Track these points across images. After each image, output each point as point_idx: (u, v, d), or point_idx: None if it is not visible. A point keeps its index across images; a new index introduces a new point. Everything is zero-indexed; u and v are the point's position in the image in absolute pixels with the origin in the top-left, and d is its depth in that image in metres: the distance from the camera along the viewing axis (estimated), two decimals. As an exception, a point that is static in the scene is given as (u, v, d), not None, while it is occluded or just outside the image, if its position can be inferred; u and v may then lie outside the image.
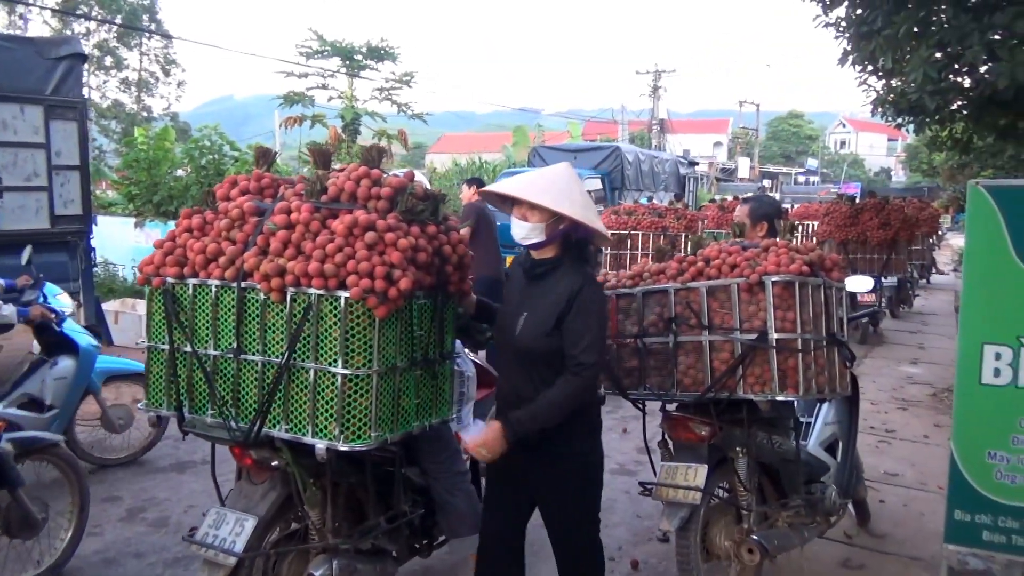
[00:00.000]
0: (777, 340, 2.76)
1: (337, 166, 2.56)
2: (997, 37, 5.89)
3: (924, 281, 14.78)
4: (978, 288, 2.89)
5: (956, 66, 6.50)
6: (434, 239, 2.40)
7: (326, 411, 2.18)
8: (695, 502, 2.95)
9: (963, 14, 5.85)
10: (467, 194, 7.65)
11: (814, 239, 10.39)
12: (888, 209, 8.77)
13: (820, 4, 7.41)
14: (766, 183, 42.54)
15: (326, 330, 2.18)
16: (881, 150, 74.07)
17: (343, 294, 2.15)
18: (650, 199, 13.26)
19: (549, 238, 2.42)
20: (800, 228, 12.08)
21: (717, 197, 22.08)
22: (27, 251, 4.61)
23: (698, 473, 2.99)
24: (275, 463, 2.45)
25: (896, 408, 6.61)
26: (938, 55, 6.10)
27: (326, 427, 2.18)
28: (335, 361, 2.16)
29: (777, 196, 25.82)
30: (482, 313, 2.81)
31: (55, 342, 4.43)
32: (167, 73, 38.17)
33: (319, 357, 2.19)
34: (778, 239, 3.13)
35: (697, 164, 23.66)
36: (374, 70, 17.16)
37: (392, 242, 2.22)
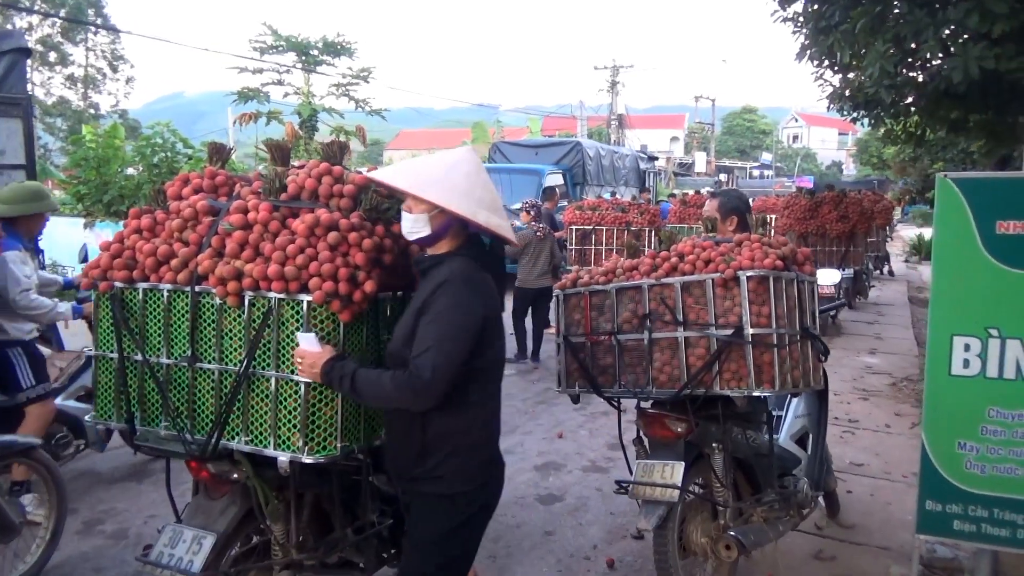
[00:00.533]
0: (753, 335, 2.72)
1: (296, 163, 2.44)
2: (950, 32, 5.99)
3: (879, 272, 15.07)
4: (947, 280, 2.89)
5: (911, 61, 6.61)
6: (400, 238, 2.30)
7: (289, 422, 2.06)
8: (672, 500, 2.90)
9: (918, 9, 5.93)
10: None
11: (772, 232, 10.48)
12: (846, 202, 8.90)
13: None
14: (722, 177, 43.10)
15: (288, 336, 2.06)
16: (832, 144, 75.71)
17: (305, 298, 2.03)
18: (613, 194, 13.28)
19: (436, 232, 2.09)
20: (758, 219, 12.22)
21: (676, 192, 22.27)
22: (82, 249, 4.83)
23: (675, 470, 2.94)
24: (234, 476, 2.31)
25: (858, 399, 6.68)
26: (893, 50, 6.17)
27: (289, 439, 2.06)
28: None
29: (722, 188, 26.14)
30: None
31: None
32: (114, 69, 37.16)
33: (280, 365, 2.07)
34: (750, 233, 3.10)
35: (656, 159, 23.83)
36: (331, 65, 16.87)
37: (356, 242, 2.11)
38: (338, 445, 2.08)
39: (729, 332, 2.76)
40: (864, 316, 10.97)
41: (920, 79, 6.66)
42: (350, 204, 2.22)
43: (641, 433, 3.18)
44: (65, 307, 3.97)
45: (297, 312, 2.05)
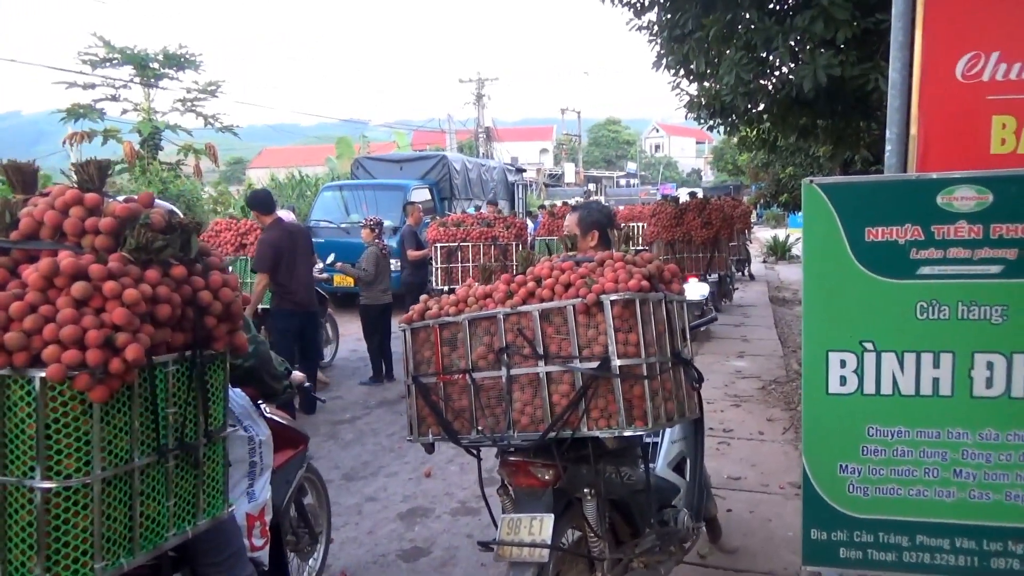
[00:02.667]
0: (620, 367, 2.42)
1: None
2: (799, 40, 6.09)
3: (740, 274, 15.64)
4: (818, 293, 2.72)
5: (763, 69, 6.70)
6: (184, 284, 1.82)
7: (21, 542, 1.53)
8: (543, 559, 2.55)
9: (767, 18, 6.00)
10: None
11: (641, 241, 10.54)
12: (709, 209, 9.01)
13: (631, 8, 7.43)
14: (591, 187, 44.16)
15: (16, 426, 1.53)
16: (691, 152, 79.69)
17: (38, 373, 1.52)
18: (477, 208, 13.00)
19: None
20: (627, 230, 12.31)
21: (547, 203, 22.36)
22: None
23: (543, 525, 2.59)
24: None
25: (730, 405, 6.67)
26: (747, 58, 6.22)
27: (23, 564, 1.53)
28: (31, 471, 1.52)
29: (602, 199, 26.65)
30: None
31: None
32: (-72, 87, 33.49)
33: (7, 466, 1.54)
34: (612, 250, 2.82)
35: (524, 171, 23.88)
36: (174, 79, 15.64)
37: (114, 293, 1.62)
38: (96, 566, 1.57)
39: (594, 365, 2.44)
40: (730, 319, 11.23)
41: (771, 87, 6.77)
42: (109, 243, 1.72)
43: (505, 482, 2.82)
44: None
45: (28, 393, 1.53)
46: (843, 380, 2.68)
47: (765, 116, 7.54)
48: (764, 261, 21.56)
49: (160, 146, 15.65)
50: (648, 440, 3.44)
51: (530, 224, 13.64)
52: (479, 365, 2.70)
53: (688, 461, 3.58)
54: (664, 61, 7.31)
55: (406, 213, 9.39)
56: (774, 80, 6.68)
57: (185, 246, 1.87)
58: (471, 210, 11.81)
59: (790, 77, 6.38)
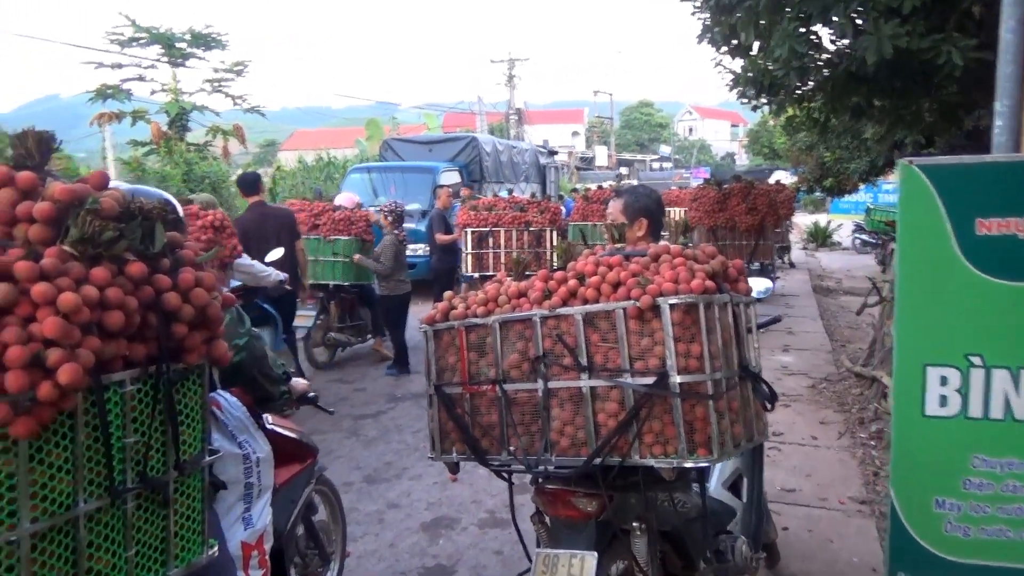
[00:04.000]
0: (681, 384, 2.02)
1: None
2: (859, 10, 5.58)
3: (781, 262, 15.05)
4: (915, 295, 2.28)
5: (817, 42, 6.20)
6: (144, 284, 1.46)
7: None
8: (583, 605, 2.18)
9: (825, -15, 5.48)
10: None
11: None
12: (755, 194, 8.49)
13: (676, -22, 6.94)
14: (623, 170, 43.42)
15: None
16: (725, 135, 78.18)
17: (-63, 404, 1.17)
18: (510, 191, 12.57)
19: None
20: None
21: (578, 186, 21.86)
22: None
23: (585, 566, 2.22)
24: None
25: (779, 406, 6.18)
26: (802, 30, 5.72)
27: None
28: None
29: (635, 183, 26.02)
30: None
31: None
32: (-34, 69, 33.94)
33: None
34: (667, 242, 2.41)
35: (556, 153, 23.36)
36: (200, 59, 15.42)
37: (47, 298, 1.26)
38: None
39: (650, 380, 2.05)
40: (772, 309, 10.67)
41: (826, 61, 6.26)
42: (47, 233, 1.37)
43: (541, 510, 2.45)
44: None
45: (-71, 427, 1.18)
46: (944, 400, 2.26)
47: (817, 94, 7.01)
48: (804, 248, 20.85)
49: (188, 127, 15.44)
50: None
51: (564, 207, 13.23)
52: (511, 375, 2.32)
53: (745, 480, 3.17)
54: (710, 34, 6.82)
55: (435, 196, 9.03)
56: (829, 54, 6.17)
57: (148, 237, 1.52)
58: (503, 193, 11.39)
59: (847, 51, 5.88)
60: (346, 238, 7.35)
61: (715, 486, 3.05)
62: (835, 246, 21.53)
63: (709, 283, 2.10)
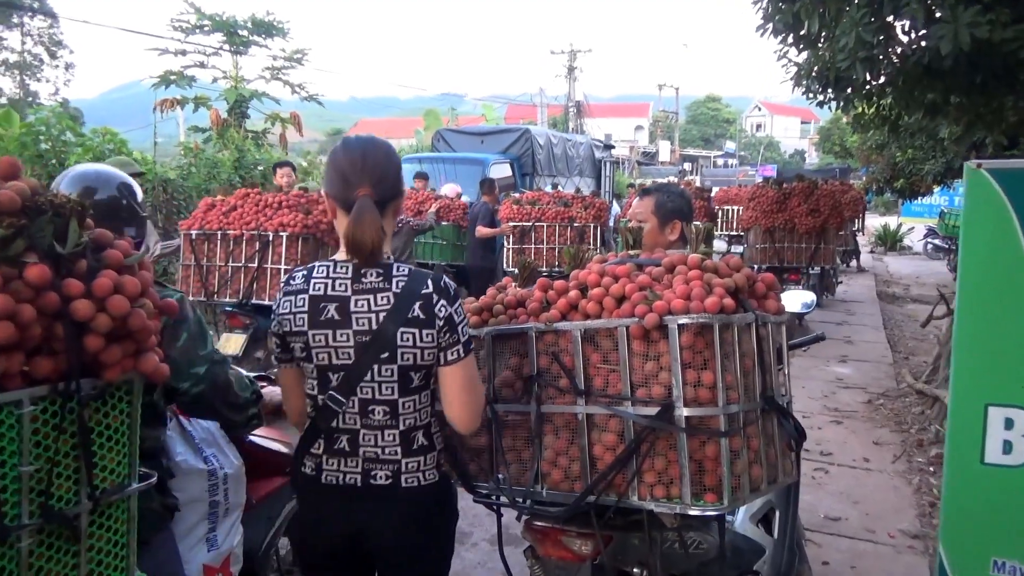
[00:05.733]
0: (688, 417, 1.75)
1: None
2: (935, -5, 5.10)
3: (846, 266, 14.36)
4: (977, 320, 1.94)
5: (888, 33, 5.73)
6: (45, 291, 1.26)
7: None
8: (574, 657, 1.93)
9: (896, -32, 5.02)
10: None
11: (737, 226, 9.61)
12: (817, 194, 7.99)
13: (736, -37, 6.55)
14: (687, 166, 42.51)
15: None
16: (795, 133, 75.80)
17: None
18: (555, 186, 12.24)
19: None
20: (721, 214, 11.29)
21: (636, 182, 21.37)
22: None
23: (577, 614, 1.97)
24: None
25: (830, 422, 5.81)
26: (871, 18, 5.27)
27: None
28: None
29: (698, 180, 25.28)
30: None
31: None
32: (53, 56, 35.38)
33: None
34: (687, 251, 2.13)
35: (613, 147, 22.84)
36: (262, 47, 15.58)
37: (-98, 305, 1.07)
38: None
39: (652, 411, 1.78)
40: (832, 315, 10.16)
41: (897, 54, 5.77)
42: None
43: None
44: None
45: None
46: (1008, 447, 1.92)
47: (888, 89, 6.50)
48: (872, 251, 19.94)
49: (247, 114, 15.61)
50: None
51: (615, 206, 12.83)
52: (503, 395, 2.08)
53: (778, 513, 2.85)
54: (771, 24, 6.39)
55: (482, 189, 8.79)
56: (902, 45, 5.69)
57: (60, 236, 1.32)
58: (548, 188, 11.10)
59: (922, 43, 5.40)
60: (446, 223, 8.65)
61: (742, 520, 2.74)
62: (905, 250, 20.52)
63: (728, 300, 1.81)
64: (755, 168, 42.83)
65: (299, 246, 5.20)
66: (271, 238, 5.17)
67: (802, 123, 76.07)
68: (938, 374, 6.24)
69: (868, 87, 6.53)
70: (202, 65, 15.05)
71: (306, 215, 5.28)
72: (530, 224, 7.91)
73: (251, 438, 2.33)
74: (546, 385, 1.97)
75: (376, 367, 1.70)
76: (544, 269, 7.75)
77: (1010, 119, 6.64)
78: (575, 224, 7.72)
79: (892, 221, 22.62)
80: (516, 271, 7.86)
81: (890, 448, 5.25)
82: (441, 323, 1.71)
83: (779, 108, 77.94)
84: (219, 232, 5.31)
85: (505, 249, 8.07)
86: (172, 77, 14.95)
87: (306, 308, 1.75)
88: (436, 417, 1.84)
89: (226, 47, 15.30)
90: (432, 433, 1.81)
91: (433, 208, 8.39)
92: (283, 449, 2.49)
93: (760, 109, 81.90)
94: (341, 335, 1.73)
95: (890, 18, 5.40)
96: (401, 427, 1.74)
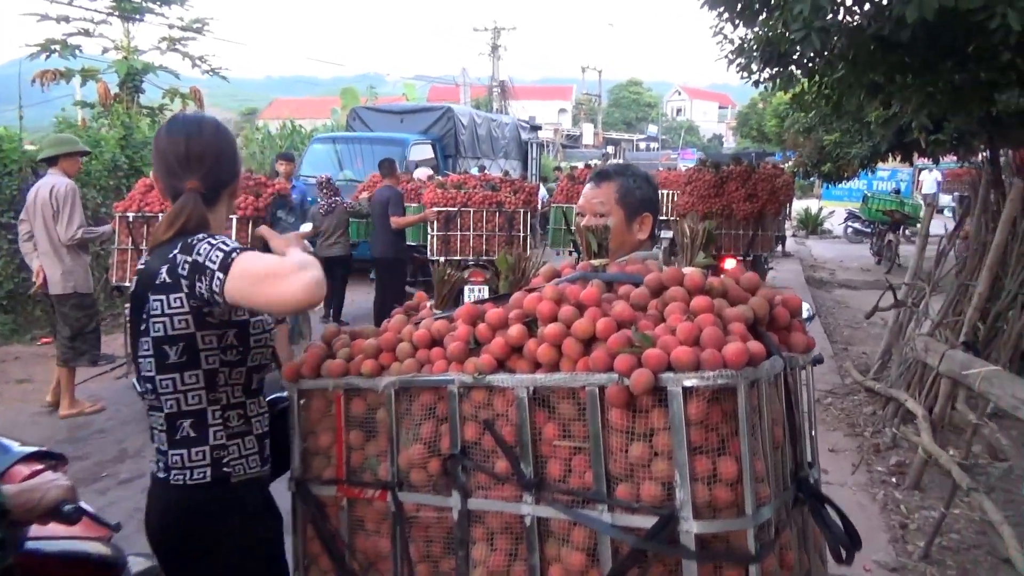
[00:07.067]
0: (701, 536, 1.11)
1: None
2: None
3: (776, 252, 14.23)
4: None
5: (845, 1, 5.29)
6: None
7: None
8: None
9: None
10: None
11: (671, 212, 9.15)
12: (755, 178, 7.56)
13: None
14: (610, 149, 42.44)
15: None
16: (713, 117, 77.24)
17: None
18: (482, 169, 11.53)
19: None
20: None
21: (563, 165, 20.84)
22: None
23: None
24: None
25: (781, 426, 5.35)
26: (826, -17, 4.78)
27: None
28: None
29: (621, 163, 25.01)
30: None
31: None
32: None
33: None
34: (676, 260, 1.48)
35: (540, 128, 22.26)
36: (157, 15, 14.15)
37: None
38: None
39: (646, 523, 1.13)
40: (766, 304, 9.85)
41: (855, 23, 5.34)
42: None
43: None
44: None
45: None
46: None
47: (839, 64, 6.08)
48: (794, 235, 20.06)
49: (141, 89, 14.21)
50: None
51: (543, 191, 12.18)
52: (412, 478, 1.39)
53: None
54: (714, -4, 5.85)
55: (383, 171, 7.73)
56: (860, 13, 5.25)
57: None
58: (474, 171, 10.37)
59: (886, 13, 4.97)
60: (415, 205, 8.19)
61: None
62: (826, 234, 20.76)
63: (755, 345, 1.17)
64: (676, 152, 43.22)
65: (249, 229, 5.08)
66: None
67: (720, 108, 77.64)
68: (888, 371, 5.90)
69: (816, 61, 6.12)
70: (87, 33, 13.55)
71: (256, 198, 5.29)
72: (456, 209, 7.19)
73: (30, 545, 1.55)
74: (475, 469, 1.30)
75: (140, 341, 1.52)
76: (471, 259, 7.06)
77: (969, 97, 6.33)
78: (504, 209, 7.05)
79: (812, 204, 22.90)
80: (440, 259, 6.80)
81: (847, 455, 4.82)
82: (185, 277, 1.42)
83: (698, 93, 79.28)
84: (160, 215, 4.95)
85: (430, 236, 7.31)
86: (54, 47, 13.43)
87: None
88: (222, 410, 1.49)
89: (115, 14, 13.85)
90: (208, 425, 1.49)
91: (365, 195, 8.14)
92: (86, 549, 1.70)
93: (680, 93, 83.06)
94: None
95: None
96: (165, 410, 1.50)
